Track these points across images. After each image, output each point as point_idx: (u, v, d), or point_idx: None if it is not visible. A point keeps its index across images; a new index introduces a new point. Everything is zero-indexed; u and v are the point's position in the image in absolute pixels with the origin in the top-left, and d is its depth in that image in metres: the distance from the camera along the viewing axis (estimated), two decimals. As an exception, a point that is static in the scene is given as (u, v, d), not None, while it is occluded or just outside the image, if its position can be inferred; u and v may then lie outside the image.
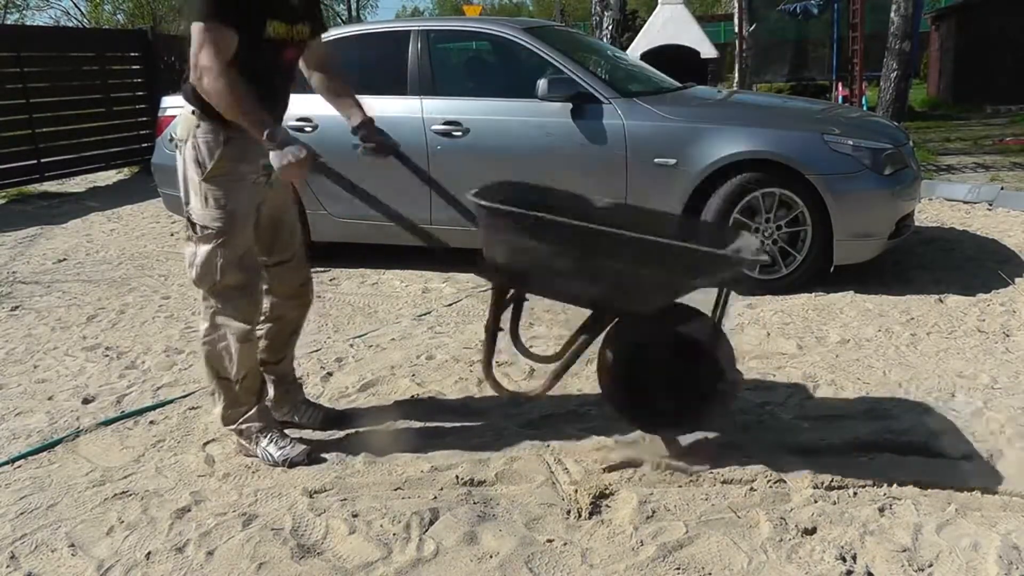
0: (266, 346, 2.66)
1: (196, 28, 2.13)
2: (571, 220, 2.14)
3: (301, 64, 2.55)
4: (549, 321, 3.79)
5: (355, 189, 2.30)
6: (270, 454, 2.50)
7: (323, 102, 2.67)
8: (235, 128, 2.27)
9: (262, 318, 2.58)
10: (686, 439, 2.55)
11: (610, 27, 9.53)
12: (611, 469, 2.38)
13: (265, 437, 2.53)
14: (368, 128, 2.61)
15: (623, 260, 2.12)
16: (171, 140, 2.42)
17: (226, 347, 2.42)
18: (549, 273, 2.27)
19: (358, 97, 2.66)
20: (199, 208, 2.34)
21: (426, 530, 2.13)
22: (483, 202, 2.17)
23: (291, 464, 2.48)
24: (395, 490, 2.34)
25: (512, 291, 2.45)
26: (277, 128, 2.17)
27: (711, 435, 2.58)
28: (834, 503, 2.19)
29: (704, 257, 2.15)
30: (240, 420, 2.52)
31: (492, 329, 2.39)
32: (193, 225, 2.37)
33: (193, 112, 2.31)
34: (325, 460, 2.52)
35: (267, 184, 2.43)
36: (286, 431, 2.62)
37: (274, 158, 2.15)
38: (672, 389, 2.39)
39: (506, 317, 2.52)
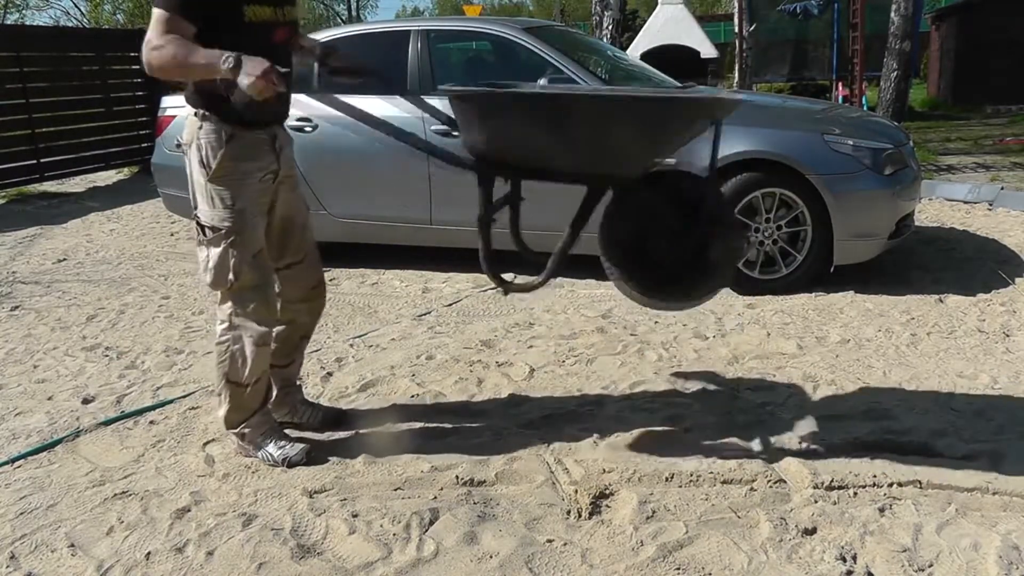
0: (275, 349, 2.62)
1: (155, 14, 2.12)
2: (535, 91, 2.17)
3: None
4: (549, 322, 3.80)
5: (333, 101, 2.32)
6: (270, 454, 2.50)
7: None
8: (237, 126, 2.27)
9: None
10: (686, 438, 2.56)
11: (610, 27, 9.53)
12: (611, 469, 2.38)
13: (266, 439, 2.53)
14: (333, 54, 2.58)
15: (593, 122, 2.11)
16: (177, 145, 2.41)
17: (241, 350, 2.41)
18: (528, 151, 2.25)
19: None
20: (207, 210, 2.33)
21: (426, 530, 2.13)
22: (456, 88, 2.23)
23: (290, 464, 2.48)
24: (395, 490, 2.34)
25: (496, 179, 2.40)
26: (233, 55, 2.07)
27: (711, 435, 2.59)
28: (834, 503, 2.19)
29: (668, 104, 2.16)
30: (243, 424, 2.52)
31: (486, 221, 2.38)
32: (203, 228, 2.35)
33: (196, 114, 2.30)
34: (325, 460, 2.52)
35: (275, 182, 2.42)
36: (286, 431, 2.62)
37: (242, 81, 2.07)
38: (677, 251, 2.34)
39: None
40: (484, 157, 2.30)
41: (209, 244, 2.35)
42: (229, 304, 2.41)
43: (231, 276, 2.35)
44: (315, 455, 2.53)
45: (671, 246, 2.34)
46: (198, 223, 2.37)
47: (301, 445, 2.54)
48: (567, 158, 2.22)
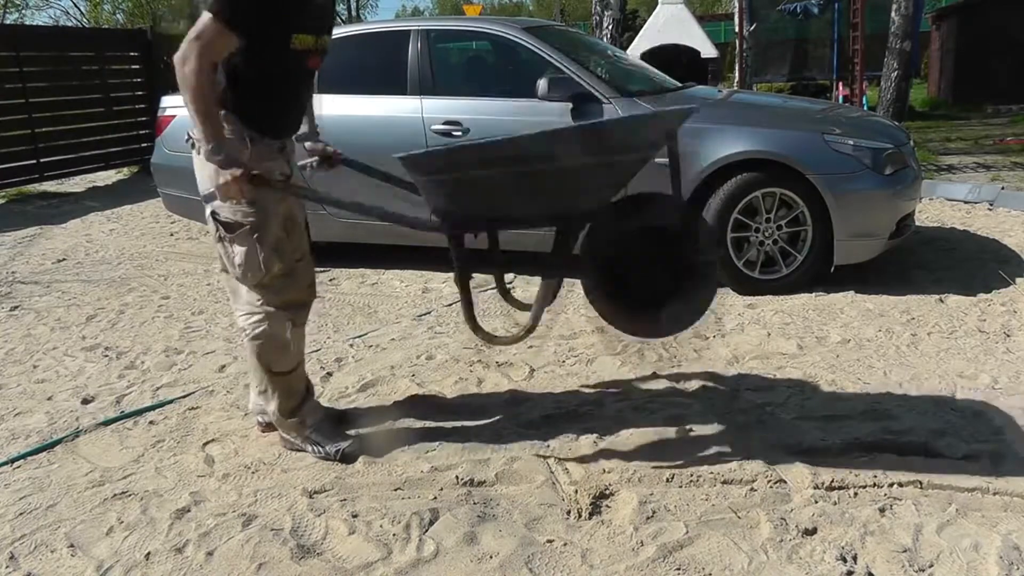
0: None
1: (204, 17, 2.13)
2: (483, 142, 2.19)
3: None
4: (549, 322, 3.79)
5: (317, 196, 2.34)
6: (321, 447, 2.51)
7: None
8: (255, 131, 2.32)
9: None
10: (686, 438, 2.56)
11: (610, 27, 9.52)
12: (611, 469, 2.38)
13: (315, 430, 2.55)
14: (312, 139, 2.66)
15: (551, 159, 2.11)
16: (187, 140, 2.40)
17: (280, 336, 2.43)
18: (493, 201, 2.25)
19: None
20: (227, 206, 2.33)
21: (426, 530, 2.13)
22: (408, 154, 2.21)
23: (344, 457, 2.49)
24: (395, 490, 2.34)
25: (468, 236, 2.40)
26: (223, 146, 2.18)
27: (711, 435, 2.59)
28: (834, 503, 2.18)
29: (618, 127, 2.14)
30: (299, 410, 2.54)
31: (464, 279, 2.37)
32: (224, 224, 2.35)
33: None
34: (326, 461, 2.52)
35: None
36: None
37: (216, 178, 2.20)
38: (656, 280, 2.32)
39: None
40: (448, 215, 2.30)
41: (232, 241, 2.36)
42: (258, 295, 2.41)
43: (262, 268, 2.36)
44: (366, 446, 2.55)
45: (650, 270, 2.33)
46: (217, 220, 2.36)
47: (353, 438, 2.57)
48: (528, 203, 2.23)
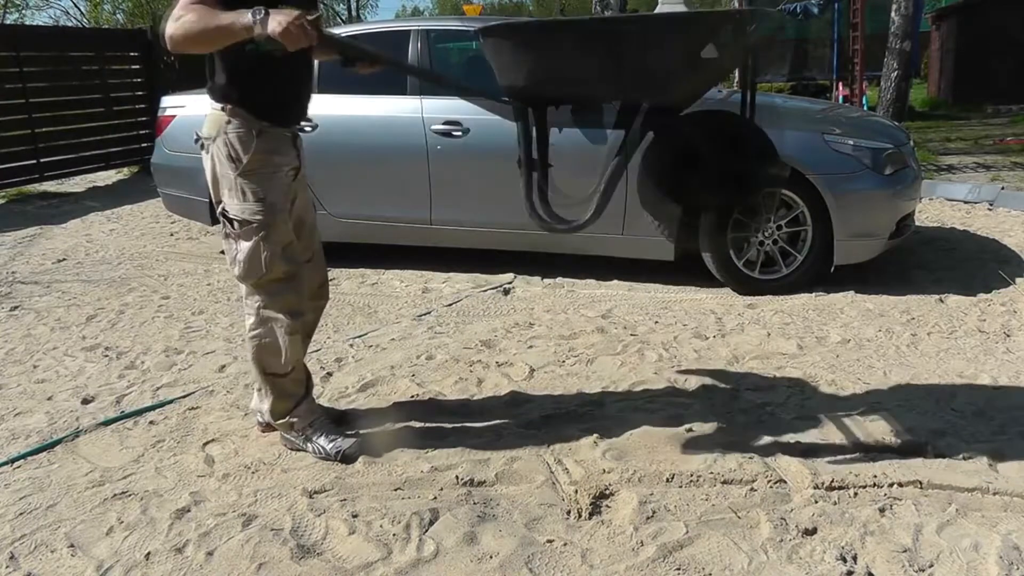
0: None
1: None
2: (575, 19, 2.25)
3: None
4: (549, 322, 3.79)
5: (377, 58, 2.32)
6: (322, 447, 2.50)
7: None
8: (266, 121, 2.29)
9: None
10: (686, 438, 2.56)
11: (610, 27, 9.52)
12: (611, 469, 2.38)
13: (315, 431, 2.54)
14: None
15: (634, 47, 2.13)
16: (196, 140, 2.39)
17: (274, 341, 2.42)
18: (570, 81, 2.26)
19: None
20: (236, 203, 2.32)
21: (426, 530, 2.13)
22: (492, 24, 2.27)
23: (344, 458, 2.48)
24: (395, 490, 2.34)
25: (536, 112, 2.40)
26: (254, 12, 2.03)
27: (711, 435, 2.59)
28: (834, 503, 2.18)
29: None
30: (290, 413, 2.53)
31: (528, 159, 2.37)
32: (231, 221, 2.34)
33: (223, 108, 2.30)
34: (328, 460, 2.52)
35: (295, 179, 2.43)
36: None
37: (273, 29, 2.01)
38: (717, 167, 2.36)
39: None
40: (523, 93, 2.27)
41: (239, 238, 2.35)
42: (257, 297, 2.41)
43: (263, 269, 2.35)
44: (367, 447, 2.53)
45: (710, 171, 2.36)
46: (226, 217, 2.35)
47: (353, 438, 2.55)
48: (610, 86, 2.22)
